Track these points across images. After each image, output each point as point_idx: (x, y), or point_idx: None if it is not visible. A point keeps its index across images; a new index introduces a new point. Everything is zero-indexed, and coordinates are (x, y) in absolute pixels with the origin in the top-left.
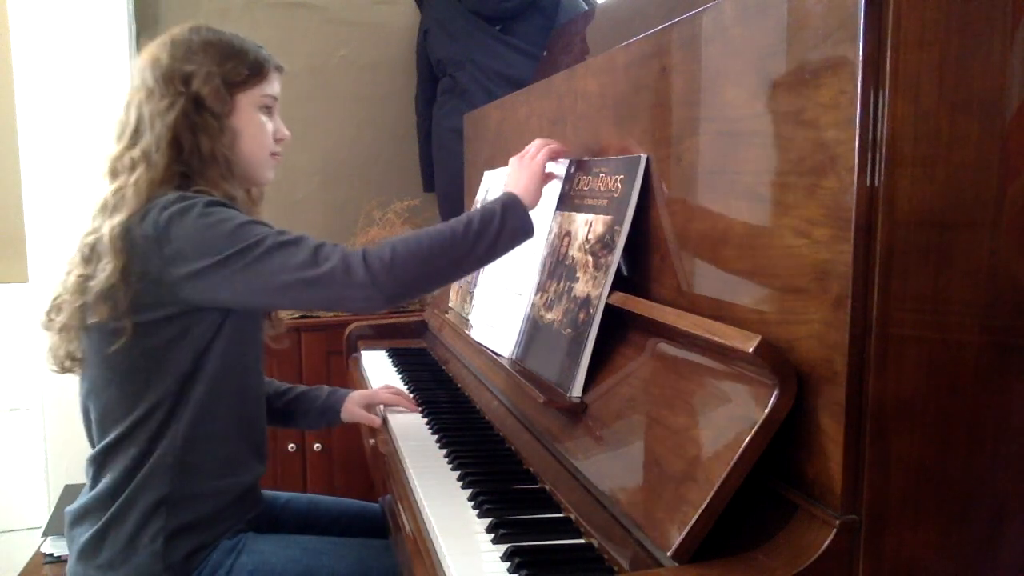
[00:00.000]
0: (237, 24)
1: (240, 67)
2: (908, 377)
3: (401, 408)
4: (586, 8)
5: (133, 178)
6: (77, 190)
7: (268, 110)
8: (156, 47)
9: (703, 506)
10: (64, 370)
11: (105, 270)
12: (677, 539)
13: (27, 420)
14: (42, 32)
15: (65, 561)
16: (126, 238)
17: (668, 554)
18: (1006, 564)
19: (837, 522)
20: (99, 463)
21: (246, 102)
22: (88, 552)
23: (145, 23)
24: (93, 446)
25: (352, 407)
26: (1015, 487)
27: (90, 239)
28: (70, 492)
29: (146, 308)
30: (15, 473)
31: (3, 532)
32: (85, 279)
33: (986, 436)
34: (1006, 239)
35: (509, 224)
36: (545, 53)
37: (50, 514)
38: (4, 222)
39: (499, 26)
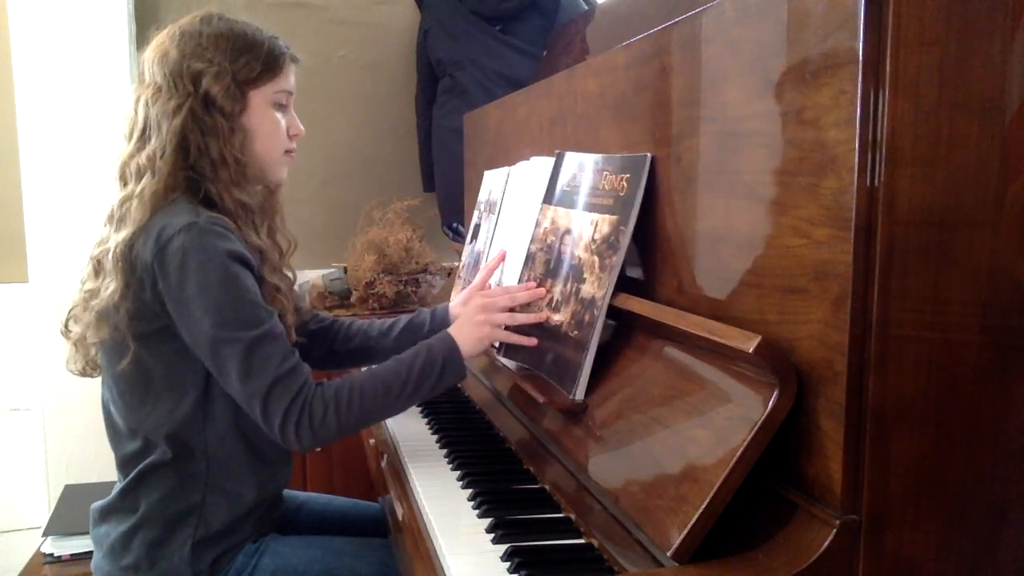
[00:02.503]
0: None
1: (253, 63)
2: (908, 377)
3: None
4: (586, 8)
5: (139, 188)
6: (77, 190)
7: (282, 106)
8: (165, 38)
9: (703, 506)
10: (85, 375)
11: (108, 289)
12: (677, 539)
13: (27, 420)
14: (42, 31)
15: (66, 561)
16: (127, 258)
17: (668, 554)
18: (1006, 564)
19: (837, 522)
20: (126, 467)
21: (259, 99)
22: (116, 551)
23: (145, 22)
24: (115, 451)
25: (457, 310)
26: (1015, 487)
27: (97, 252)
28: (70, 492)
29: (145, 321)
30: (15, 473)
31: (3, 532)
32: (92, 294)
33: (986, 436)
34: (1006, 239)
35: (445, 379)
36: (545, 53)
37: (50, 514)
38: (4, 222)
39: (499, 26)
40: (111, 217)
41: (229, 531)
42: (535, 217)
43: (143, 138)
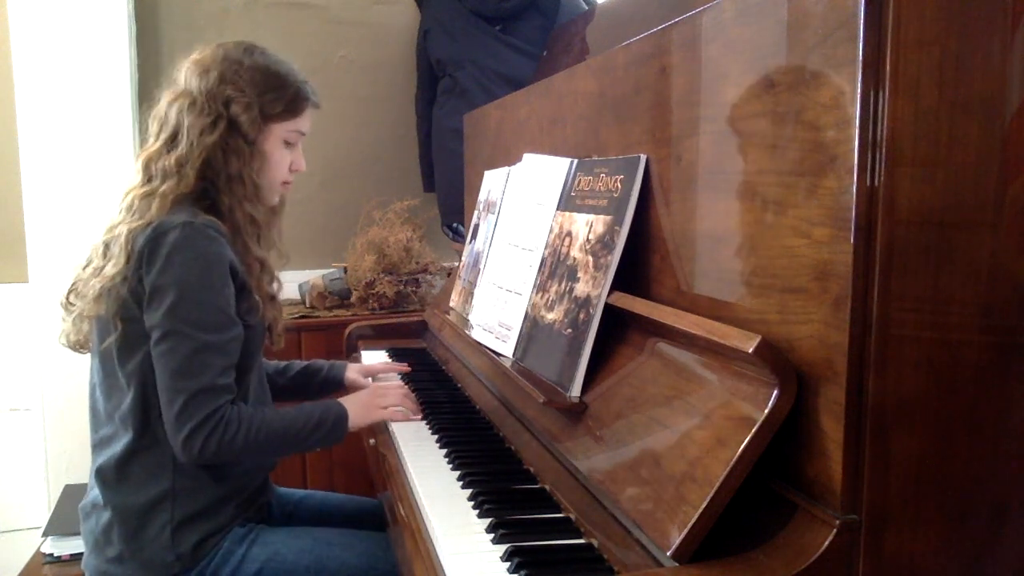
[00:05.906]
0: (237, 24)
1: (277, 101)
2: (908, 377)
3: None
4: (586, 8)
5: (163, 188)
6: (77, 190)
7: (291, 144)
8: (209, 57)
9: (703, 506)
10: (77, 350)
11: (111, 269)
12: (677, 539)
13: (27, 420)
14: (42, 31)
15: (65, 561)
16: (132, 244)
17: (668, 554)
18: (1006, 564)
19: (837, 522)
20: (96, 454)
21: (274, 133)
22: (100, 546)
23: (145, 22)
24: (92, 433)
25: (352, 375)
26: (1015, 487)
27: (108, 236)
28: (70, 492)
29: (132, 306)
30: (15, 473)
31: (3, 532)
32: (97, 271)
33: (986, 436)
34: (1006, 239)
35: (328, 438)
36: (545, 53)
37: (50, 514)
38: (4, 222)
39: (499, 26)
40: (131, 207)
41: (208, 514)
42: (534, 217)
43: (172, 141)
